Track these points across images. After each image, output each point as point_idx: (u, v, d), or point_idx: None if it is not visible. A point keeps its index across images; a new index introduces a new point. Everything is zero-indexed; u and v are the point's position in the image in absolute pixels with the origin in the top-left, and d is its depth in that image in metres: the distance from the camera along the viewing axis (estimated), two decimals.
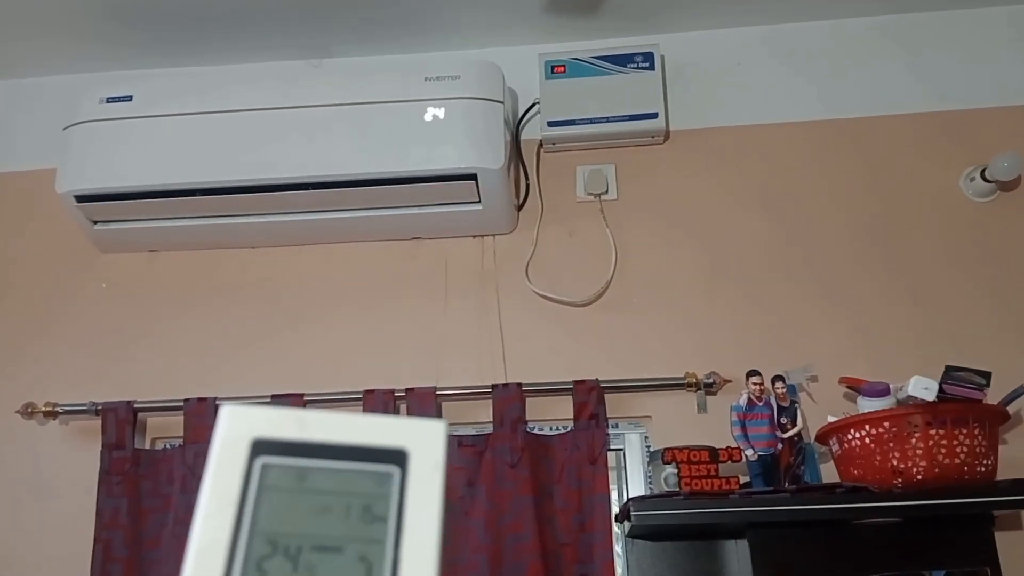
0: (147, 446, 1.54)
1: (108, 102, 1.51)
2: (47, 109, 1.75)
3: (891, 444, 1.25)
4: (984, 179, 1.53)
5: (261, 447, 0.29)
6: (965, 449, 1.23)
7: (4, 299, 1.66)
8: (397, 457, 0.29)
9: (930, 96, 1.64)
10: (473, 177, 1.45)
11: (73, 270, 1.66)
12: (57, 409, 1.51)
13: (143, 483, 1.46)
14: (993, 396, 1.29)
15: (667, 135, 1.63)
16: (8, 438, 1.55)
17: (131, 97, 1.51)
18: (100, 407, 1.50)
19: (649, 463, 1.45)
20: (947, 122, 1.62)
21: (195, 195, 1.48)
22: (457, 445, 1.44)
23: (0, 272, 1.68)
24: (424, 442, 0.30)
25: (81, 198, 1.50)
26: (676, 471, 1.32)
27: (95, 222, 1.56)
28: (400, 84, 1.48)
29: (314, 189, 1.47)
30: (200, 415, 1.48)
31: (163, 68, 1.77)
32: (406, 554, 0.27)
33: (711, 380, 1.45)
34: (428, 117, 1.46)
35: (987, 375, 1.28)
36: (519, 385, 1.47)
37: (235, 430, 0.29)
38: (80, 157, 1.50)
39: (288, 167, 1.46)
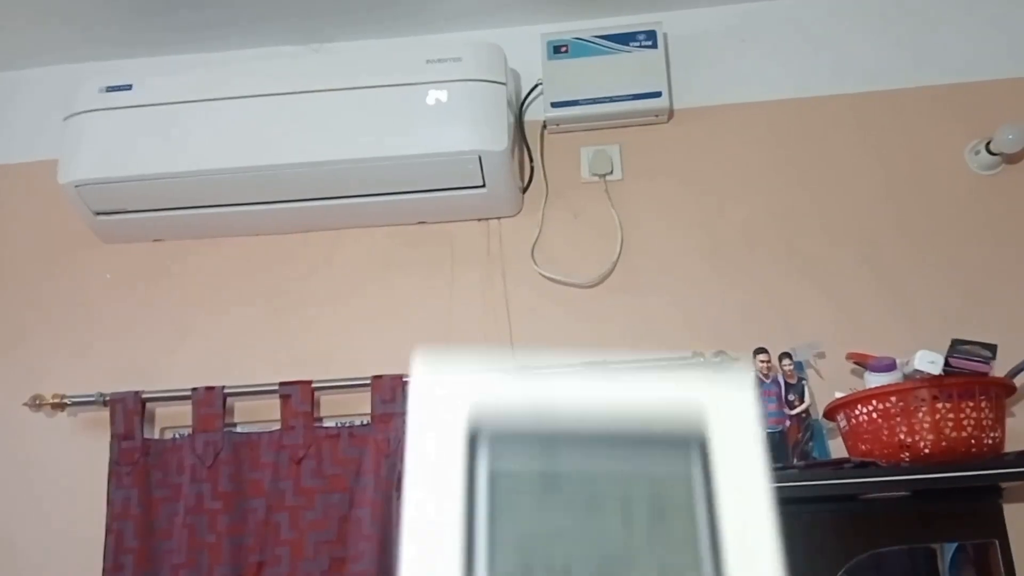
0: (156, 436, 1.55)
1: (108, 91, 1.50)
2: (46, 100, 1.74)
3: (898, 419, 1.26)
4: (989, 152, 1.53)
5: (482, 437, 0.20)
6: (972, 422, 1.24)
7: (8, 291, 1.65)
8: (693, 434, 0.19)
9: (934, 69, 1.63)
10: (477, 159, 1.44)
11: (77, 261, 1.65)
12: (65, 401, 1.52)
13: (153, 473, 1.47)
14: (999, 369, 1.30)
15: (671, 114, 1.62)
16: (17, 430, 1.55)
17: (131, 86, 1.49)
18: (108, 398, 1.50)
19: None
20: (951, 95, 1.61)
21: (198, 180, 1.48)
22: None
23: (2, 264, 1.67)
24: (729, 402, 0.19)
25: (83, 188, 1.49)
26: None
27: (98, 212, 1.55)
28: (402, 67, 1.47)
29: (316, 170, 1.46)
30: (208, 404, 1.48)
31: (163, 56, 1.75)
32: (734, 556, 0.18)
33: (718, 359, 1.46)
34: (430, 100, 1.45)
35: (993, 348, 1.29)
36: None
37: (440, 411, 0.21)
38: (81, 147, 1.49)
39: (290, 152, 1.45)
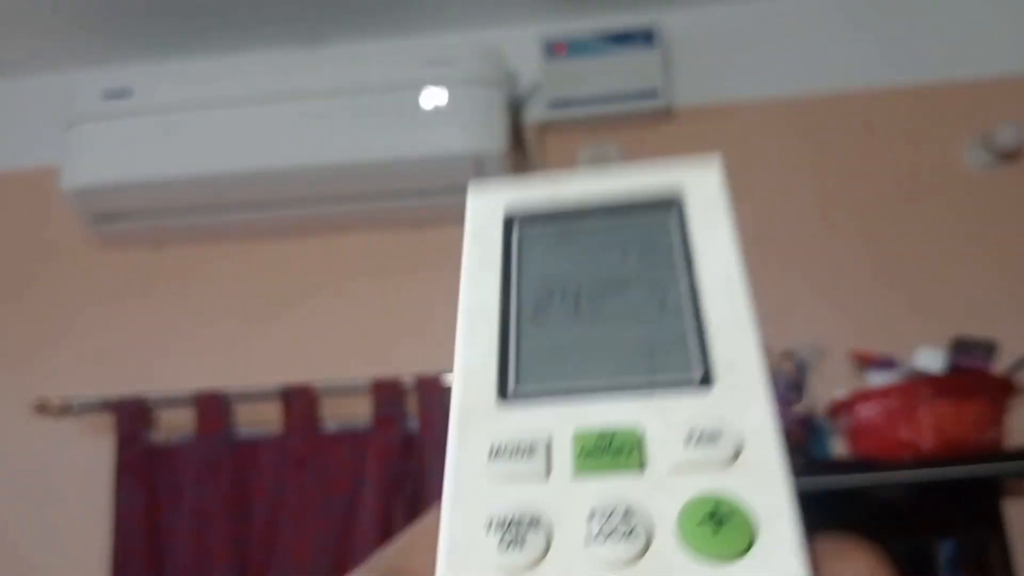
0: (160, 440, 1.55)
1: (108, 97, 1.50)
2: (46, 107, 1.74)
3: (899, 417, 1.26)
4: (988, 150, 1.53)
5: (515, 214, 0.26)
6: (972, 419, 1.24)
7: (12, 298, 1.66)
8: (670, 197, 0.26)
9: (933, 67, 1.63)
10: (475, 162, 1.45)
11: (79, 267, 1.66)
12: (70, 405, 1.53)
13: (157, 477, 1.48)
14: (1000, 366, 1.30)
15: (669, 113, 1.62)
16: (22, 435, 1.56)
17: (131, 91, 1.50)
18: (113, 402, 1.51)
19: None
20: (950, 93, 1.61)
21: (198, 185, 1.48)
22: None
23: (7, 271, 1.68)
24: (697, 179, 0.27)
25: (84, 194, 1.50)
26: None
27: (99, 218, 1.56)
28: (398, 69, 1.47)
29: (315, 173, 1.47)
30: (211, 408, 1.49)
31: (162, 61, 1.75)
32: (705, 279, 0.24)
33: None
34: (427, 102, 1.45)
35: (993, 345, 1.29)
36: None
37: (485, 205, 0.27)
38: (82, 153, 1.50)
39: (288, 156, 1.46)
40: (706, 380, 0.22)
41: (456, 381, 0.23)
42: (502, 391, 0.22)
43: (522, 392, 0.22)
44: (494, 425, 0.22)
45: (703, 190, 0.26)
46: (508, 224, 0.26)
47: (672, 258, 0.25)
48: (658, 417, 0.21)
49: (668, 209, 0.26)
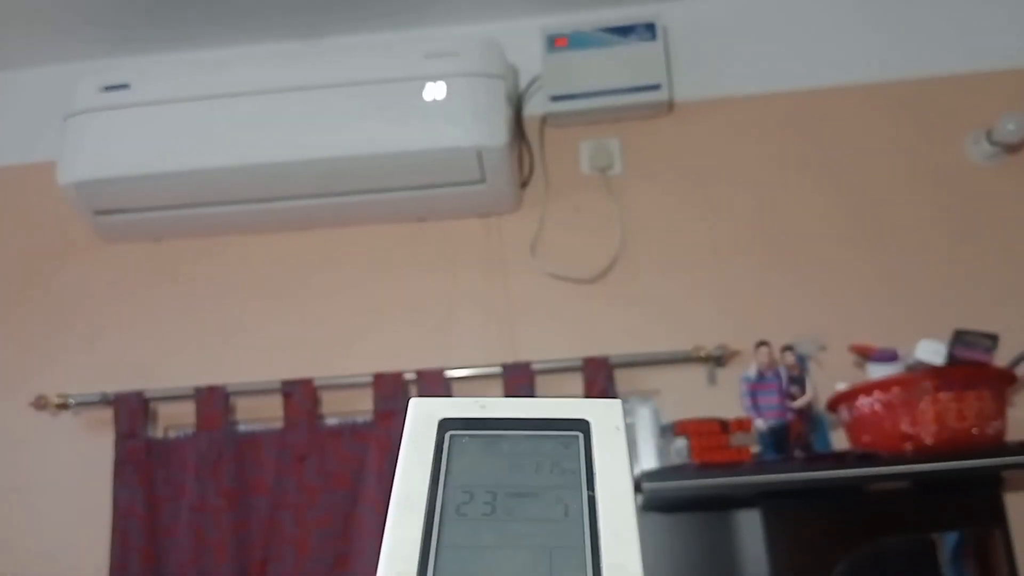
0: (160, 435, 1.55)
1: (106, 90, 1.49)
2: (44, 100, 1.73)
3: (901, 409, 1.26)
4: (990, 142, 1.53)
5: (448, 424, 0.31)
6: (974, 412, 1.24)
7: (10, 293, 1.65)
8: (579, 425, 0.31)
9: (935, 59, 1.62)
10: (476, 155, 1.44)
11: (78, 261, 1.65)
12: (69, 401, 1.52)
13: (157, 472, 1.47)
14: (1001, 358, 1.30)
15: (671, 107, 1.61)
16: (21, 431, 1.55)
17: (128, 85, 1.49)
18: (112, 398, 1.50)
19: (660, 436, 1.46)
20: (952, 85, 1.60)
21: (196, 178, 1.47)
22: None
23: (5, 266, 1.67)
24: (602, 413, 0.31)
25: (83, 187, 1.49)
26: (687, 443, 1.33)
27: (98, 212, 1.55)
28: (399, 62, 1.47)
29: (314, 167, 1.46)
30: (211, 403, 1.49)
31: (160, 54, 1.74)
32: (602, 496, 0.28)
33: (720, 352, 1.46)
34: (428, 95, 1.44)
35: (995, 337, 1.29)
36: (528, 364, 1.47)
37: (423, 414, 0.31)
38: (80, 147, 1.49)
39: (287, 150, 1.45)
40: None
41: (381, 565, 0.27)
42: None
43: None
44: None
45: (606, 423, 0.31)
46: (441, 432, 0.31)
47: (577, 475, 0.29)
48: None
49: (577, 435, 0.31)
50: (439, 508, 0.28)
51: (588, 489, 0.29)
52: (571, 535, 0.27)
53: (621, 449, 0.30)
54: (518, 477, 0.29)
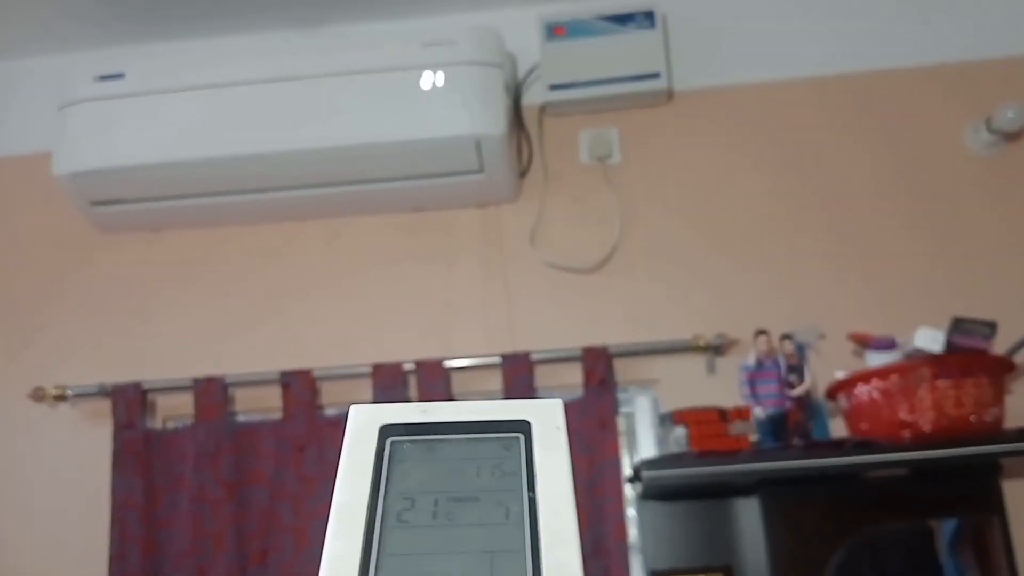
0: (158, 426, 1.55)
1: (100, 80, 1.48)
2: (38, 91, 1.72)
3: (899, 397, 1.26)
4: (989, 131, 1.53)
5: (389, 430, 0.31)
6: (972, 399, 1.24)
7: (8, 285, 1.64)
8: (520, 426, 0.31)
9: (934, 48, 1.62)
10: (474, 144, 1.43)
11: (75, 252, 1.64)
12: (67, 392, 1.51)
13: (156, 463, 1.47)
14: (999, 346, 1.30)
15: (670, 95, 1.61)
16: (19, 422, 1.55)
17: (123, 74, 1.48)
18: (110, 389, 1.50)
19: (659, 426, 1.46)
20: (951, 74, 1.60)
21: (191, 168, 1.47)
22: None
23: (1, 258, 1.67)
24: (544, 413, 0.32)
25: (78, 178, 1.48)
26: (686, 432, 1.33)
27: (94, 203, 1.54)
28: (396, 51, 1.46)
29: (311, 157, 1.46)
30: (210, 394, 1.48)
31: (155, 43, 1.73)
32: (542, 497, 0.28)
33: (719, 341, 1.46)
34: (426, 84, 1.43)
35: (993, 325, 1.29)
36: (527, 354, 1.47)
37: (363, 421, 0.31)
38: (75, 137, 1.48)
39: (284, 139, 1.44)
40: None
41: (322, 573, 0.27)
42: None
43: None
44: None
45: (547, 423, 0.31)
46: (382, 438, 0.31)
47: (518, 477, 0.29)
48: None
49: (517, 437, 0.31)
50: (380, 516, 0.28)
51: (529, 491, 0.29)
52: (512, 538, 0.27)
53: (562, 449, 0.30)
54: (459, 481, 0.29)
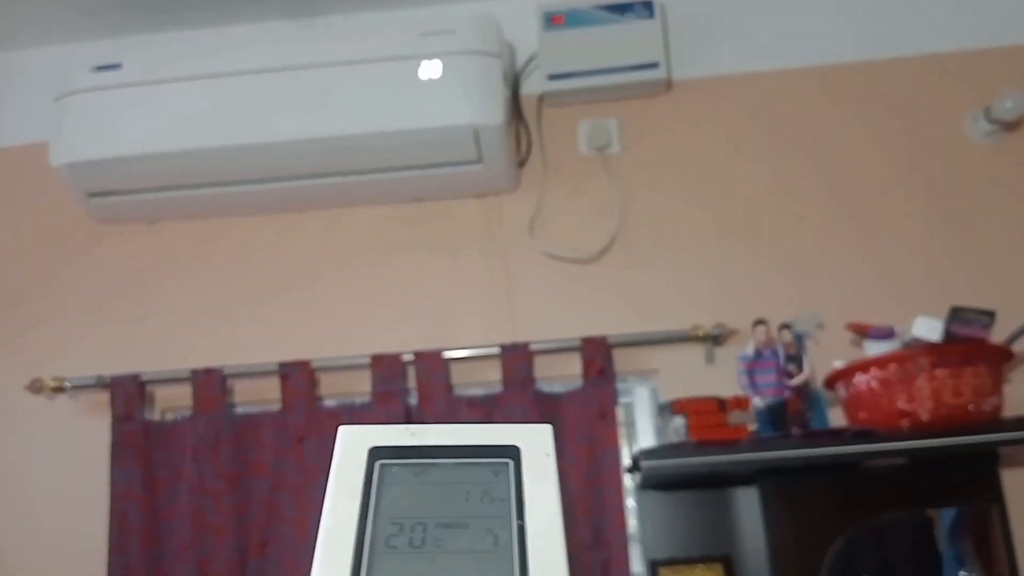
0: (157, 417, 1.55)
1: (98, 70, 1.47)
2: (36, 81, 1.71)
3: (898, 386, 1.26)
4: (988, 120, 1.52)
5: (378, 453, 0.31)
6: (971, 388, 1.24)
7: (5, 276, 1.64)
8: (509, 452, 0.31)
9: (933, 37, 1.61)
10: (472, 134, 1.43)
11: (72, 244, 1.64)
12: (65, 384, 1.51)
13: (155, 454, 1.47)
14: (998, 335, 1.30)
15: (669, 85, 1.60)
16: (17, 414, 1.55)
17: (120, 64, 1.47)
18: (108, 381, 1.50)
19: (658, 416, 1.46)
20: (951, 63, 1.60)
21: (189, 159, 1.46)
22: (466, 406, 1.45)
23: (0, 249, 1.66)
24: (533, 439, 0.32)
25: (76, 169, 1.47)
26: (685, 422, 1.33)
27: (92, 194, 1.54)
28: (395, 41, 1.45)
29: (310, 147, 1.45)
30: (209, 385, 1.48)
31: (152, 33, 1.72)
32: (531, 525, 0.29)
33: (718, 331, 1.46)
34: (424, 74, 1.43)
35: (991, 314, 1.29)
36: (527, 344, 1.47)
37: (352, 443, 0.32)
38: (72, 128, 1.47)
39: (282, 130, 1.44)
40: None
41: None
42: None
43: None
44: None
45: (536, 449, 0.31)
46: (371, 460, 0.31)
47: (507, 504, 0.29)
48: None
49: (507, 463, 0.31)
50: (368, 542, 0.28)
51: (518, 518, 0.29)
52: (501, 566, 0.27)
53: (551, 476, 0.30)
54: (448, 507, 0.29)
